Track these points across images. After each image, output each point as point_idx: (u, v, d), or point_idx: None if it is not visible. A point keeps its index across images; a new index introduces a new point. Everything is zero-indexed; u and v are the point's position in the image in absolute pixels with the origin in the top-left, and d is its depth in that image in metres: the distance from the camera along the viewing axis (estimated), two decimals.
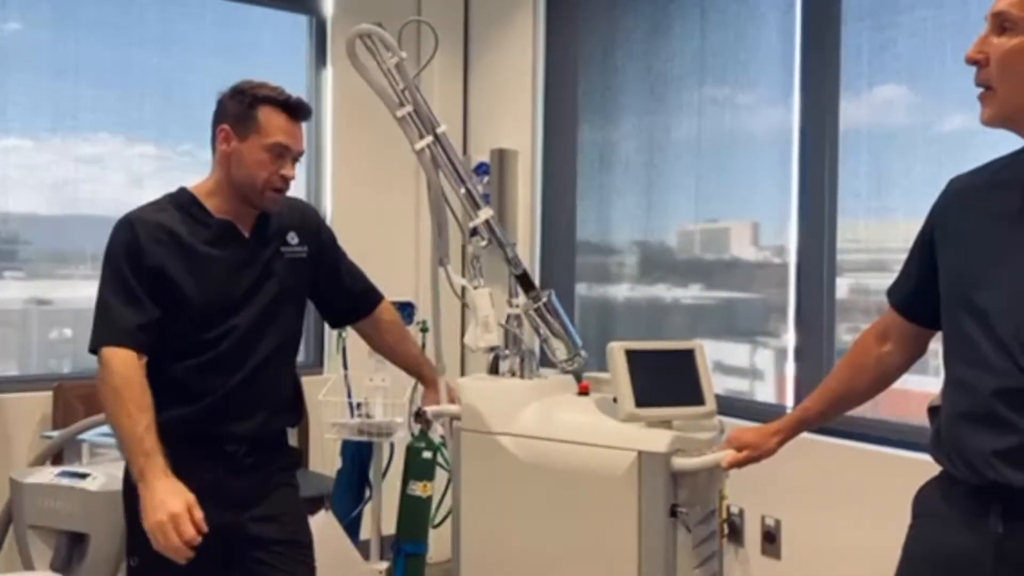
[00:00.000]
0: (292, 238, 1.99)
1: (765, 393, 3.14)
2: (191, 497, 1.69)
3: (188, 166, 3.56)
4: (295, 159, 1.92)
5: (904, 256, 1.58)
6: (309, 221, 2.06)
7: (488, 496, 1.91)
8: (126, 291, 1.81)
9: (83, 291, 3.51)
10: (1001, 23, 1.30)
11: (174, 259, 1.85)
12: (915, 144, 2.68)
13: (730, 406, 2.74)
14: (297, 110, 1.90)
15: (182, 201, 1.92)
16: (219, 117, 1.90)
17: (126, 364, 1.77)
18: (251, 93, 1.87)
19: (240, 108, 1.87)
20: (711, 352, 3.19)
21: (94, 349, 1.82)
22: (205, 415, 1.86)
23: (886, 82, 2.76)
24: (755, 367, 3.19)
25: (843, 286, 2.85)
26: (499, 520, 1.89)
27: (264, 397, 1.93)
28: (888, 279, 1.62)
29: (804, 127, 2.91)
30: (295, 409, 2.06)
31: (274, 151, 1.86)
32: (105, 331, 1.81)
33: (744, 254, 3.25)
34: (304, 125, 1.94)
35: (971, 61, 1.33)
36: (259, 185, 1.87)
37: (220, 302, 1.86)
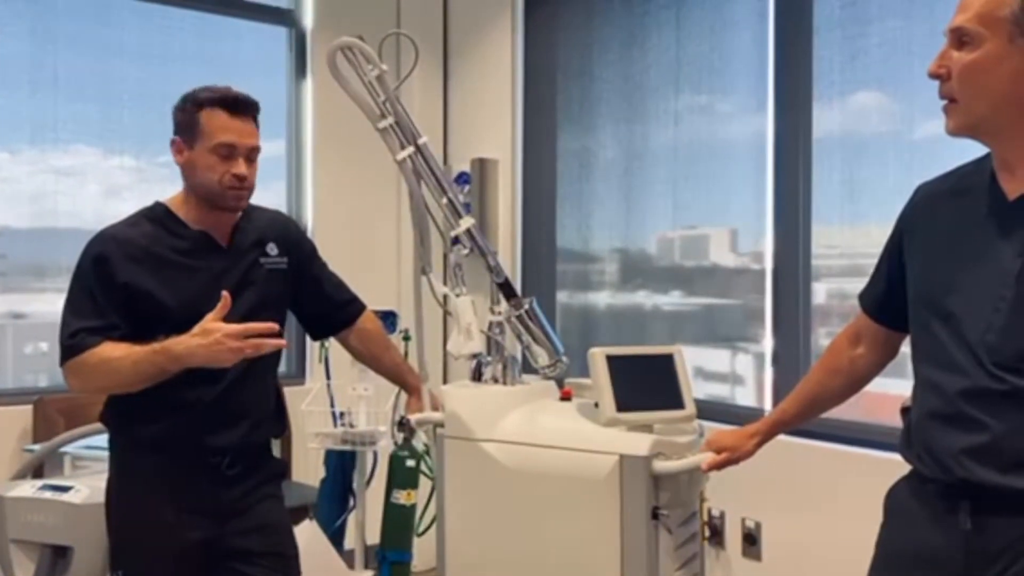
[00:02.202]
0: (272, 249, 1.98)
1: (745, 398, 3.18)
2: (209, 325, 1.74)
3: (167, 177, 3.53)
4: (248, 156, 1.88)
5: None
6: (290, 233, 2.06)
7: (472, 502, 1.92)
8: (92, 308, 1.82)
9: (60, 305, 3.49)
10: (959, 38, 1.33)
11: (148, 274, 1.84)
12: (887, 151, 2.74)
13: (710, 410, 2.78)
14: (237, 105, 1.86)
15: (156, 214, 1.93)
16: (173, 130, 1.91)
17: (92, 351, 1.81)
18: (192, 99, 1.87)
19: (185, 117, 1.87)
20: (691, 358, 3.23)
21: (62, 364, 1.85)
22: (188, 427, 1.86)
23: (858, 90, 2.81)
24: (735, 372, 3.23)
25: (820, 291, 2.90)
26: (483, 526, 1.91)
27: (246, 408, 1.92)
28: (863, 283, 1.65)
29: (779, 134, 2.96)
30: (278, 420, 2.06)
31: (220, 152, 1.84)
32: (62, 346, 1.84)
33: (722, 260, 3.29)
34: (254, 120, 1.91)
35: (933, 76, 1.37)
36: (216, 188, 1.86)
37: (199, 313, 1.81)
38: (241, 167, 1.86)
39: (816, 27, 2.84)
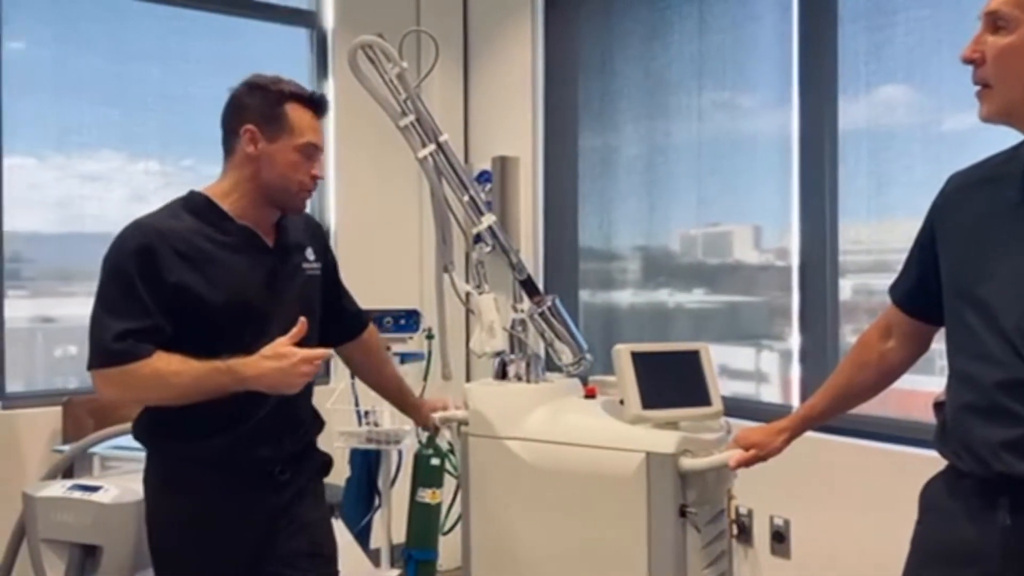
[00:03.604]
0: (310, 254, 1.88)
1: (771, 396, 3.14)
2: (281, 349, 1.64)
3: (191, 182, 3.56)
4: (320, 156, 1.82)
5: (906, 255, 1.60)
6: (320, 238, 1.97)
7: (497, 501, 1.92)
8: (136, 307, 1.64)
9: (88, 308, 3.54)
10: (994, 21, 1.32)
11: (197, 271, 1.68)
12: (914, 143, 2.70)
13: (736, 408, 2.75)
14: (321, 106, 1.80)
15: (197, 205, 1.76)
16: (239, 116, 1.75)
17: (145, 363, 1.63)
18: (275, 90, 1.75)
19: (265, 106, 1.73)
20: (716, 356, 3.20)
21: (91, 368, 1.68)
22: (243, 440, 1.74)
23: (884, 82, 2.77)
24: (760, 370, 3.20)
25: (846, 287, 2.86)
26: (508, 524, 1.90)
27: (300, 416, 1.86)
28: (891, 279, 1.63)
29: (803, 129, 2.92)
30: (317, 417, 1.98)
31: (306, 152, 1.75)
32: (102, 350, 1.65)
33: (746, 257, 3.26)
34: None
35: (967, 60, 1.35)
36: (293, 188, 1.75)
37: (246, 316, 1.71)
38: (319, 169, 1.79)
39: (840, 18, 2.80)
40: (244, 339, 1.68)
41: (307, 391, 1.86)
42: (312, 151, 1.76)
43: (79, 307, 3.71)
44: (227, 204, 1.76)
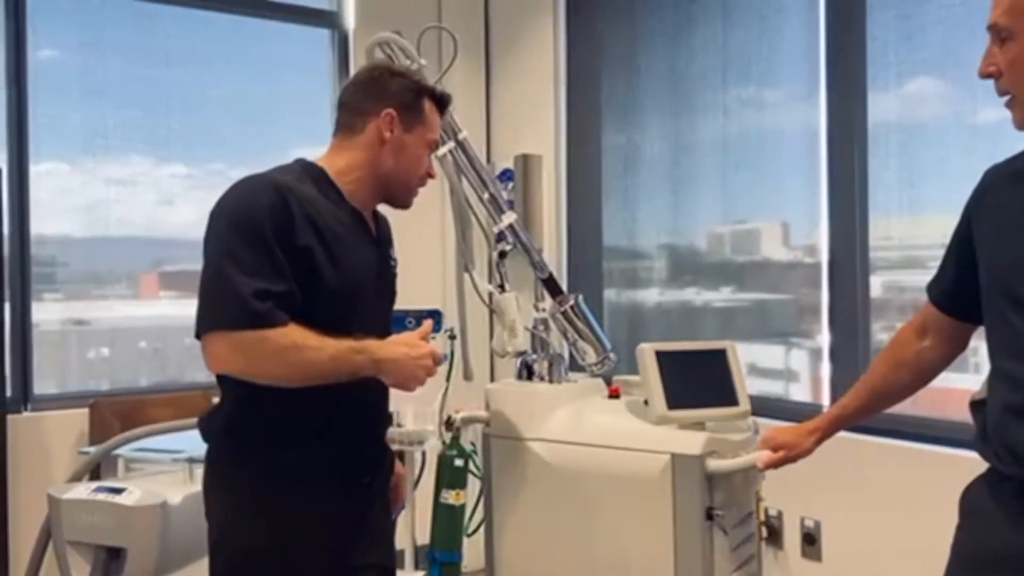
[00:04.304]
0: (393, 252, 1.79)
1: (800, 394, 3.09)
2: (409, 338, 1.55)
3: (221, 184, 3.58)
4: None
5: (939, 251, 1.56)
6: (392, 239, 1.84)
7: (520, 502, 1.89)
8: (273, 267, 1.46)
9: (119, 311, 3.59)
10: (998, 34, 1.33)
11: (322, 246, 1.52)
12: (947, 136, 2.63)
13: (766, 407, 2.70)
14: (445, 108, 1.75)
15: (317, 177, 1.60)
16: (380, 97, 1.63)
17: (285, 331, 1.46)
18: (415, 80, 1.68)
19: (407, 94, 1.65)
20: (744, 354, 3.15)
21: (208, 331, 1.47)
22: (338, 444, 1.61)
23: (915, 73, 2.71)
24: (789, 368, 3.14)
25: (877, 284, 2.80)
26: (532, 526, 1.87)
27: (383, 413, 1.77)
28: (923, 275, 1.60)
29: (832, 123, 2.86)
30: (390, 417, 1.91)
31: (432, 148, 1.71)
32: (240, 309, 1.43)
33: (775, 254, 3.21)
34: None
35: (984, 76, 1.36)
36: (414, 182, 1.69)
37: (359, 306, 1.60)
38: (432, 166, 1.74)
39: (869, 7, 2.73)
40: (349, 330, 1.53)
41: (387, 389, 1.73)
42: (434, 148, 1.74)
43: (110, 310, 3.79)
44: (341, 183, 1.63)
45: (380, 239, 1.72)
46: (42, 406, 3.31)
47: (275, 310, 1.45)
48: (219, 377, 1.58)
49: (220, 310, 1.46)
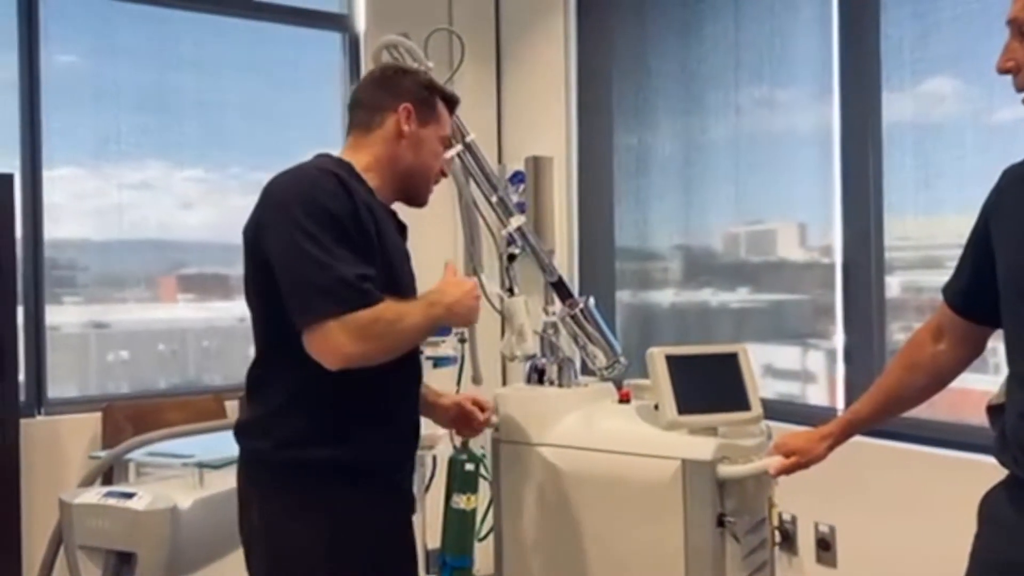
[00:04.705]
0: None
1: (817, 396, 3.06)
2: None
3: (235, 189, 3.63)
4: None
5: (957, 251, 1.53)
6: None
7: (529, 508, 1.87)
8: (355, 251, 1.46)
9: (137, 314, 3.62)
10: (1019, 29, 1.31)
11: (379, 234, 1.53)
12: (964, 135, 2.59)
13: (780, 410, 2.67)
14: (455, 107, 1.77)
15: (349, 170, 1.59)
16: (396, 93, 1.65)
17: (386, 305, 1.46)
18: (425, 78, 1.72)
19: (421, 91, 1.67)
20: (760, 355, 3.13)
21: (320, 320, 1.41)
22: (394, 444, 1.60)
23: (930, 71, 2.67)
24: (806, 369, 3.11)
25: (894, 285, 2.76)
26: (541, 532, 1.86)
27: (418, 411, 1.73)
28: (941, 275, 1.56)
29: (845, 122, 2.83)
30: None
31: (445, 144, 1.73)
32: (347, 293, 1.41)
33: (791, 255, 3.18)
34: None
35: (1003, 71, 1.33)
36: (431, 177, 1.70)
37: (401, 294, 1.57)
38: (446, 164, 1.76)
39: (883, 4, 2.70)
40: None
41: (420, 385, 1.73)
42: (447, 145, 1.76)
43: (129, 313, 3.82)
44: (367, 178, 1.62)
45: (403, 231, 1.74)
46: (56, 410, 3.33)
47: (374, 289, 1.45)
48: (254, 379, 1.56)
49: (329, 298, 1.42)
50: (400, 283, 1.59)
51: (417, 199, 1.71)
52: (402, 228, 1.72)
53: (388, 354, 1.48)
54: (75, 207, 3.46)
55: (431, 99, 1.68)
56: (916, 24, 2.66)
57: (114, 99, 3.52)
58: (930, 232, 2.70)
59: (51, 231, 3.36)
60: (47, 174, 3.35)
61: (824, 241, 3.00)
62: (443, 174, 1.74)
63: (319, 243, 1.43)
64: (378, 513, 1.56)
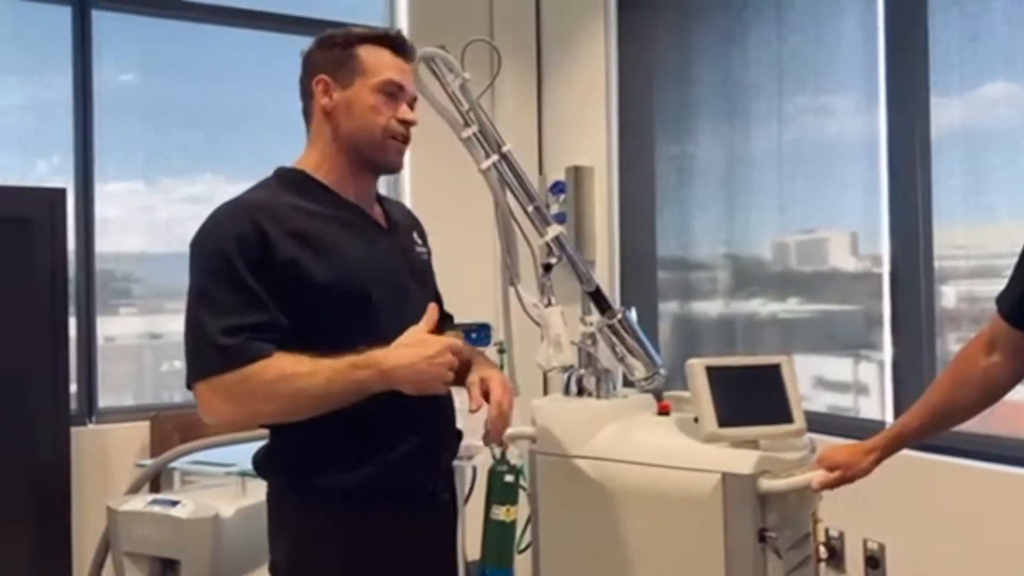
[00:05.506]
0: (416, 238, 1.69)
1: (870, 409, 2.98)
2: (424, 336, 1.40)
3: None
4: (411, 103, 1.59)
5: (1012, 260, 1.47)
6: (419, 226, 1.77)
7: (566, 520, 1.85)
8: (246, 300, 1.38)
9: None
10: None
11: (308, 250, 1.43)
12: (1016, 140, 2.51)
13: (830, 423, 2.62)
14: (402, 46, 1.60)
15: (293, 181, 1.52)
16: (310, 72, 1.56)
17: (266, 363, 1.36)
18: (344, 35, 1.56)
19: (336, 54, 1.55)
20: (811, 367, 3.06)
21: (192, 383, 1.42)
22: (404, 460, 1.52)
23: (980, 75, 2.59)
24: (858, 381, 3.04)
25: (949, 294, 2.69)
26: (579, 545, 1.83)
27: (450, 417, 1.67)
28: (996, 285, 1.51)
29: (892, 128, 2.77)
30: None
31: (387, 90, 1.54)
32: (210, 352, 1.37)
33: (842, 264, 3.11)
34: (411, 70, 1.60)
35: None
36: (378, 134, 1.53)
37: (368, 304, 1.48)
38: (409, 112, 1.56)
39: (931, 7, 2.64)
40: (363, 333, 1.43)
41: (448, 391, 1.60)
42: (394, 89, 1.55)
43: (182, 324, 3.89)
44: (322, 177, 1.54)
45: (394, 227, 1.62)
46: (105, 419, 3.41)
47: (250, 342, 1.36)
48: None
49: (195, 358, 1.40)
50: (361, 290, 1.47)
51: (379, 164, 1.57)
52: (395, 222, 1.61)
53: (275, 414, 1.41)
54: (130, 220, 3.55)
55: (347, 55, 1.54)
56: (965, 27, 2.59)
57: (164, 115, 3.61)
58: (982, 240, 2.63)
59: (107, 244, 3.46)
60: (103, 189, 3.45)
61: (874, 250, 2.93)
62: (403, 123, 1.56)
63: (204, 297, 1.41)
64: (399, 534, 1.50)
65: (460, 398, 1.92)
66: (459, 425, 2.83)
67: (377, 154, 1.55)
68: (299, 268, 1.41)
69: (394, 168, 1.59)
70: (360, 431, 1.43)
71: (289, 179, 1.54)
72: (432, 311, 1.45)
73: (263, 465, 1.55)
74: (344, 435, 1.43)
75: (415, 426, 1.53)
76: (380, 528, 1.48)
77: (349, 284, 1.46)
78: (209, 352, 1.38)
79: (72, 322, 3.18)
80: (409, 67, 1.60)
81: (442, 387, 1.40)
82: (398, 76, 1.56)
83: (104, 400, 3.44)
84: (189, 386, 1.43)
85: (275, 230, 1.41)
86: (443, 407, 1.64)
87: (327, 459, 1.46)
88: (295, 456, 1.48)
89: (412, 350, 1.38)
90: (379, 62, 1.55)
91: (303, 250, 1.42)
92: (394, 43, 1.59)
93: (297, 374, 1.35)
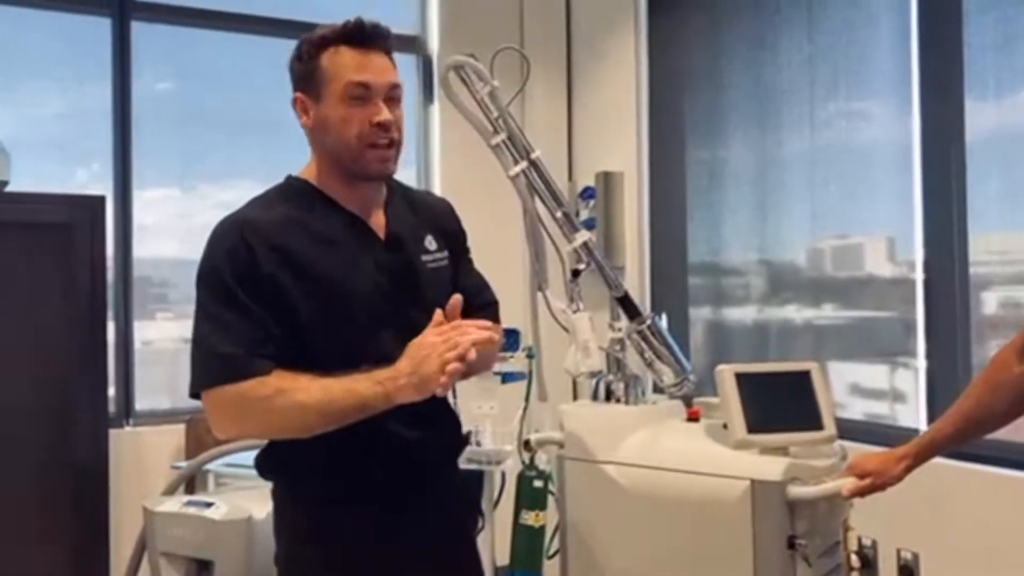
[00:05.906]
0: (430, 243, 1.59)
1: (906, 416, 2.95)
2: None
3: None
4: (389, 97, 1.47)
5: None
6: (449, 221, 1.67)
7: (595, 526, 1.86)
8: (242, 317, 1.39)
9: None
10: None
11: (287, 268, 1.42)
12: None
13: (865, 431, 2.59)
14: (362, 36, 1.46)
15: (294, 191, 1.51)
16: (293, 87, 1.52)
17: (264, 380, 1.37)
18: (308, 44, 1.48)
19: (303, 67, 1.48)
20: (846, 374, 3.03)
21: (200, 389, 1.41)
22: (394, 468, 1.50)
23: (1017, 79, 2.56)
24: (895, 388, 3.01)
25: (990, 300, 2.65)
26: (607, 551, 1.83)
27: (451, 422, 1.64)
28: None
29: (926, 133, 2.74)
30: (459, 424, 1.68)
31: (351, 94, 1.43)
32: (211, 367, 1.39)
33: (879, 270, 3.08)
34: (387, 53, 1.51)
35: None
36: (354, 146, 1.45)
37: (354, 324, 1.46)
38: (382, 111, 1.44)
39: (966, 11, 2.61)
40: (350, 354, 1.40)
41: (444, 403, 1.57)
42: (359, 91, 1.44)
43: None
44: (321, 186, 1.52)
45: (394, 239, 1.54)
46: (143, 421, 3.47)
47: (251, 358, 1.37)
48: None
49: (198, 373, 1.41)
50: (347, 302, 1.45)
51: (364, 175, 1.49)
52: (395, 234, 1.54)
53: (275, 430, 1.42)
54: (167, 227, 3.61)
55: (312, 66, 1.46)
56: (1000, 31, 2.56)
57: (200, 122, 3.67)
58: (1019, 246, 2.59)
59: (145, 250, 3.52)
60: (141, 195, 3.51)
61: (910, 256, 2.90)
62: (379, 126, 1.45)
63: (203, 312, 1.42)
64: (388, 538, 1.49)
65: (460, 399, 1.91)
66: (482, 431, 2.86)
67: (358, 165, 1.48)
68: (278, 283, 1.42)
69: (381, 176, 1.51)
70: (348, 437, 1.40)
71: (292, 188, 1.53)
72: (439, 316, 1.41)
73: (261, 467, 1.58)
74: (332, 441, 1.40)
75: (407, 429, 1.49)
76: (367, 533, 1.48)
77: (328, 296, 1.45)
78: (209, 366, 1.40)
79: (110, 327, 3.24)
80: (375, 55, 1.46)
81: (442, 385, 1.34)
82: (359, 75, 1.44)
83: (141, 403, 3.50)
84: (194, 397, 1.45)
85: (260, 244, 1.42)
86: (440, 410, 1.58)
87: (316, 464, 1.46)
88: (288, 460, 1.50)
89: (401, 362, 1.37)
90: (338, 66, 1.45)
91: (281, 268, 1.42)
92: (350, 37, 1.45)
93: (295, 389, 1.36)
